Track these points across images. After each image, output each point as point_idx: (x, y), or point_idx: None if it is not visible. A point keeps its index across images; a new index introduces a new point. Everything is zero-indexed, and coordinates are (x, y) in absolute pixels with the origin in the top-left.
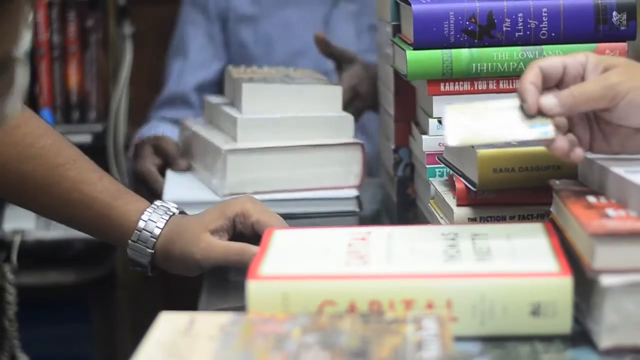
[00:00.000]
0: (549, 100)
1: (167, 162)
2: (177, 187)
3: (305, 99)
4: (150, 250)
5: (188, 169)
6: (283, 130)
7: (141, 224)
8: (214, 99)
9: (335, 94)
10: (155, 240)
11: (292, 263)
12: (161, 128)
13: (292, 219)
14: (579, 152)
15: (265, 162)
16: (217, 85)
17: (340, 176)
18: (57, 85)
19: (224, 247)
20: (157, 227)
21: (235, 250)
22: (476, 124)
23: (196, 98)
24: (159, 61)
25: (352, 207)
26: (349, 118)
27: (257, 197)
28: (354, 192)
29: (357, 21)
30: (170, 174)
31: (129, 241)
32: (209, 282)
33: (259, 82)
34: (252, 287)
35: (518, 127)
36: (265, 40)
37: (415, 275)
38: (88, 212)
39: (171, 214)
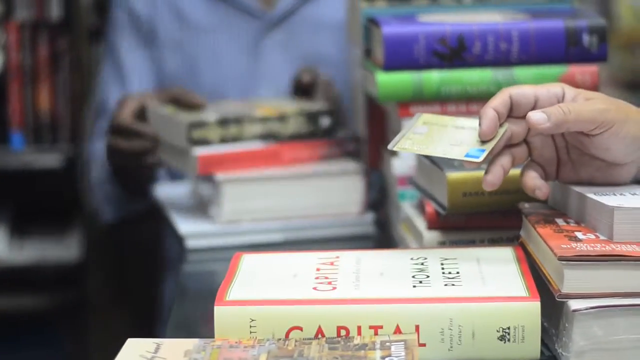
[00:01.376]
0: (538, 115)
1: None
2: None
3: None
4: None
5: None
6: None
7: None
8: None
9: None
10: None
11: (260, 288)
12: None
13: (309, 244)
14: (544, 191)
15: (263, 190)
16: None
17: (342, 204)
18: (28, 107)
19: None
20: None
21: None
22: (428, 136)
23: None
24: None
25: (369, 229)
26: None
27: (263, 225)
28: (370, 215)
29: (286, 51)
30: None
31: None
32: (178, 309)
33: None
34: (219, 312)
35: (458, 146)
36: (191, 66)
37: (383, 300)
38: None
39: None
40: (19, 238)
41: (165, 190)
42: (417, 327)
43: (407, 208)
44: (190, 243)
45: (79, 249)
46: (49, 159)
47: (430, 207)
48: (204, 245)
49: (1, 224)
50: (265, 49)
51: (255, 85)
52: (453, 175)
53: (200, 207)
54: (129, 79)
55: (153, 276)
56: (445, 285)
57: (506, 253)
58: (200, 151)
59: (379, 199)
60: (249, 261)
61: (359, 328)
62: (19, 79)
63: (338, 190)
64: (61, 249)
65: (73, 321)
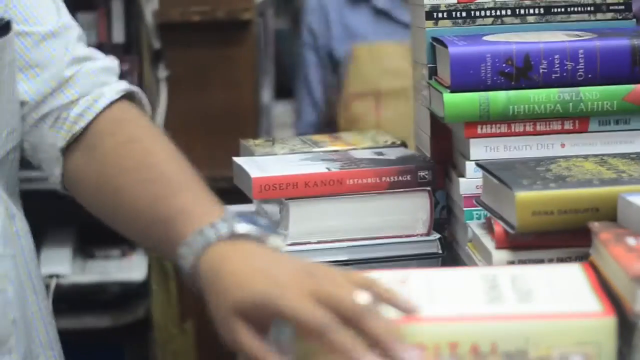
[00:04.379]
0: None
1: None
2: None
3: None
4: (208, 242)
5: None
6: None
7: (199, 230)
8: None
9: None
10: (212, 242)
11: None
12: None
13: (375, 263)
14: None
15: (329, 211)
16: None
17: (408, 224)
18: None
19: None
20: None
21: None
22: None
23: None
24: (192, 104)
25: (435, 249)
26: None
27: (326, 245)
28: (437, 235)
29: None
30: None
31: (183, 241)
32: None
33: None
34: None
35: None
36: None
37: (460, 317)
38: (161, 228)
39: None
40: (83, 258)
41: (232, 210)
42: (493, 345)
43: (474, 227)
44: None
45: (142, 268)
46: None
47: (499, 226)
48: None
49: (65, 245)
50: None
51: None
52: (522, 194)
53: (268, 230)
54: None
55: None
56: (519, 301)
57: (576, 271)
58: (255, 173)
59: (444, 218)
60: None
61: (437, 345)
62: None
63: (404, 210)
64: (125, 269)
65: (136, 340)
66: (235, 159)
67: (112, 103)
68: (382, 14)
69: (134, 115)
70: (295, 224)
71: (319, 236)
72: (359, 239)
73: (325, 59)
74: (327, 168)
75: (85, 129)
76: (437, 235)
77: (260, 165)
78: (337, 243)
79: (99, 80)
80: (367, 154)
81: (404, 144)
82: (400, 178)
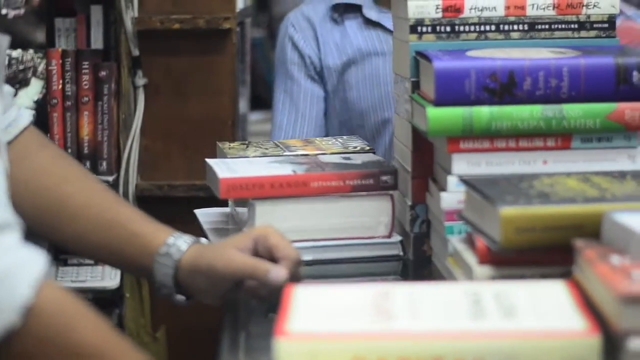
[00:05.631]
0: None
1: None
2: None
3: None
4: (175, 259)
5: None
6: None
7: (170, 240)
8: None
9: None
10: (182, 252)
11: (319, 320)
12: None
13: (338, 264)
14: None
15: (293, 212)
16: None
17: (370, 226)
18: (69, 135)
19: (242, 260)
20: (185, 242)
21: (250, 264)
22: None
23: None
24: (170, 112)
25: (397, 251)
26: None
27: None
28: (398, 238)
29: None
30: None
31: (157, 255)
32: (228, 337)
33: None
34: (282, 346)
35: None
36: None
37: (444, 333)
38: (122, 232)
39: (197, 239)
40: (56, 265)
41: (205, 213)
42: None
43: (455, 242)
44: None
45: (115, 276)
46: None
47: (481, 241)
48: None
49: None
50: None
51: None
52: (506, 210)
53: (237, 230)
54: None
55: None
56: (503, 317)
57: (560, 288)
58: (222, 174)
59: (424, 232)
60: (302, 293)
61: None
62: (61, 107)
63: (366, 212)
64: (98, 277)
65: None
66: (208, 160)
67: (28, 124)
68: (373, 24)
69: (46, 138)
70: (261, 223)
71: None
72: (323, 239)
73: (315, 77)
74: (293, 170)
75: (9, 143)
76: (399, 238)
77: (230, 166)
78: (302, 243)
79: (9, 101)
80: (335, 159)
81: (372, 150)
82: (363, 182)
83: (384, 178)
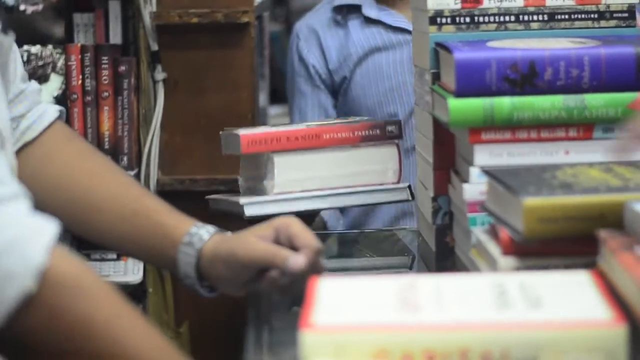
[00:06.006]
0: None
1: None
2: None
3: None
4: (197, 248)
5: None
6: None
7: (193, 230)
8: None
9: None
10: (204, 241)
11: (344, 313)
12: None
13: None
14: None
15: (308, 162)
16: None
17: (380, 173)
18: (90, 131)
19: (263, 248)
20: (207, 231)
21: (270, 251)
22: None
23: None
24: (190, 106)
25: (406, 196)
26: None
27: (308, 194)
28: (406, 184)
29: None
30: None
31: (180, 244)
32: (252, 331)
33: None
34: (307, 338)
35: None
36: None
37: (470, 325)
38: (146, 223)
39: (220, 230)
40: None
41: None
42: (504, 352)
43: (478, 234)
44: (248, 211)
45: (138, 271)
46: None
47: (505, 232)
48: (261, 212)
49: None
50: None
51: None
52: (529, 200)
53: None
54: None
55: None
56: (529, 308)
57: (584, 278)
58: (243, 131)
59: (446, 224)
60: (326, 285)
61: (446, 353)
62: (81, 102)
63: (375, 160)
64: (121, 272)
65: None
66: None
67: (54, 119)
68: (373, 22)
69: (74, 132)
70: (279, 175)
71: (302, 185)
72: (337, 187)
73: (321, 86)
74: (307, 125)
75: (34, 140)
76: (407, 184)
77: (247, 129)
78: (318, 191)
79: (36, 99)
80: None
81: None
82: (370, 132)
83: (390, 128)
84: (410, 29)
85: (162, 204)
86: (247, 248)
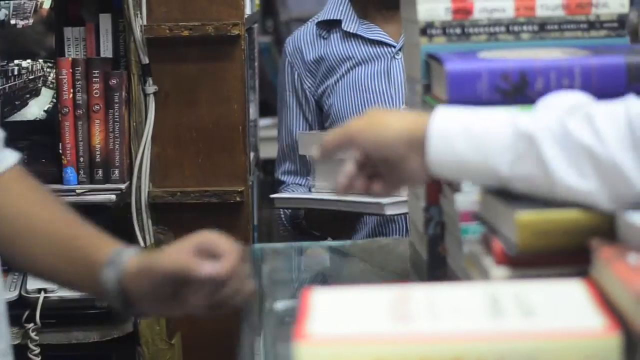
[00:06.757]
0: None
1: None
2: None
3: None
4: (120, 267)
5: None
6: None
7: (116, 250)
8: None
9: None
10: (128, 259)
11: (338, 323)
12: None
13: None
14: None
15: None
16: None
17: None
18: (81, 144)
19: (177, 258)
20: (131, 250)
21: (185, 260)
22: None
23: None
24: (181, 119)
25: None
26: None
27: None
28: None
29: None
30: None
31: (104, 264)
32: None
33: None
34: (302, 350)
35: None
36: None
37: (464, 334)
38: (68, 246)
39: (144, 251)
40: None
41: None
42: None
43: (470, 243)
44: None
45: None
46: (102, 196)
47: (497, 242)
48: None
49: None
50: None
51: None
52: (523, 215)
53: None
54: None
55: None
56: (522, 317)
57: (578, 287)
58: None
59: (438, 234)
60: (319, 296)
61: None
62: (72, 116)
63: None
64: None
65: (125, 355)
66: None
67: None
68: (353, 36)
69: (32, 179)
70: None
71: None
72: None
73: (303, 101)
74: None
75: None
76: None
77: None
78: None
79: None
80: None
81: None
82: None
83: None
84: (389, 42)
85: (88, 229)
86: (163, 259)
